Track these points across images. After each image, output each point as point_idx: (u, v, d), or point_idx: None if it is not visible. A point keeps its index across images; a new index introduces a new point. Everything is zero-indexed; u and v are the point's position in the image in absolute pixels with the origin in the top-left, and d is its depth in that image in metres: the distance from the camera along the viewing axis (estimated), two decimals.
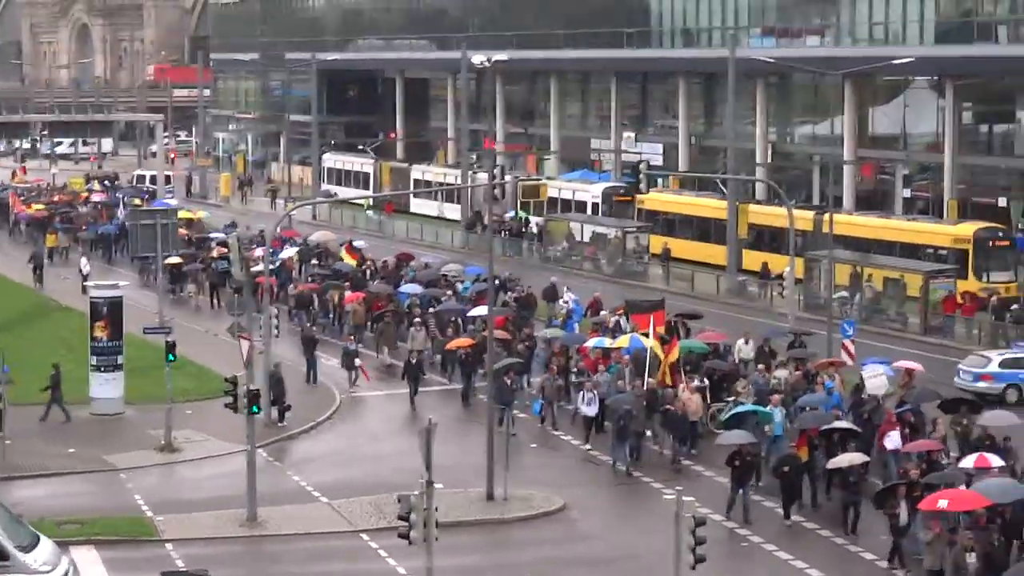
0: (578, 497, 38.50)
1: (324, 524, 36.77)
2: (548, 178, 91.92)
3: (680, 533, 28.03)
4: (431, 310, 55.39)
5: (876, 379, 42.08)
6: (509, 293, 60.42)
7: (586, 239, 77.90)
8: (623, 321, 51.46)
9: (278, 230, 68.35)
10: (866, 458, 36.22)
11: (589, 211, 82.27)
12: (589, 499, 38.71)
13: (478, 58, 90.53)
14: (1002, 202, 73.69)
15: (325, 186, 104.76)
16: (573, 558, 34.62)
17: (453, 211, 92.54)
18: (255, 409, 37.31)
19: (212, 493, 39.00)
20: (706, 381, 44.30)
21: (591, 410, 43.09)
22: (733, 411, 40.72)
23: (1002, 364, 48.05)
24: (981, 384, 47.41)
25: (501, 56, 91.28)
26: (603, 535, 36.13)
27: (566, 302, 57.48)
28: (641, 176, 73.36)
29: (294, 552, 34.95)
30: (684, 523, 27.98)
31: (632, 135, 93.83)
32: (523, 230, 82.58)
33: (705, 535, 28.06)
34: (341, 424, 46.56)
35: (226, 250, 60.77)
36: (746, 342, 49.02)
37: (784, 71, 79.65)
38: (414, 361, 48.72)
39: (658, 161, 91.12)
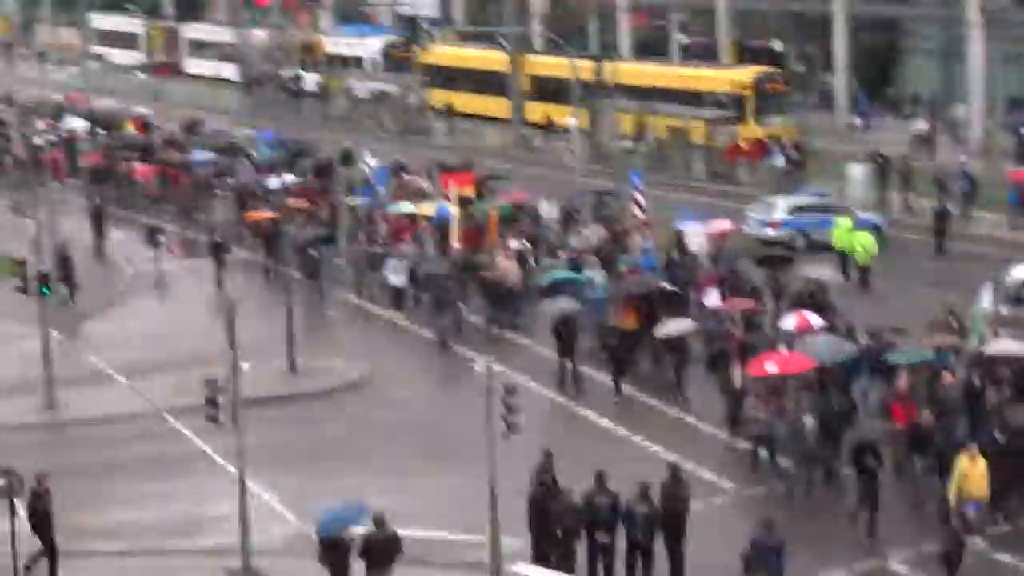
0: (387, 368, 38.01)
1: (125, 406, 36.09)
2: (322, 34, 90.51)
3: (491, 401, 27.59)
4: (229, 180, 54.01)
5: (697, 237, 42.14)
6: (306, 160, 58.73)
7: (366, 96, 77.12)
8: (427, 184, 50.54)
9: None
10: (695, 325, 35.26)
11: (368, 67, 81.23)
12: (398, 369, 38.21)
13: None
14: (776, 46, 74.39)
15: (95, 49, 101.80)
16: (379, 426, 34.34)
17: (230, 71, 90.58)
18: (45, 290, 36.37)
19: (5, 379, 37.97)
20: (526, 244, 42.76)
21: (399, 279, 42.28)
22: (551, 278, 39.64)
23: (789, 211, 48.55)
24: (769, 231, 47.89)
25: None
26: (412, 404, 35.74)
27: (368, 166, 55.93)
28: (421, 31, 72.68)
29: (97, 436, 34.27)
30: (495, 390, 27.55)
31: None
32: (300, 89, 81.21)
33: (517, 402, 27.74)
34: (138, 301, 45.60)
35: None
36: (548, 202, 48.39)
37: None
38: (218, 239, 46.88)
39: (435, 12, 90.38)
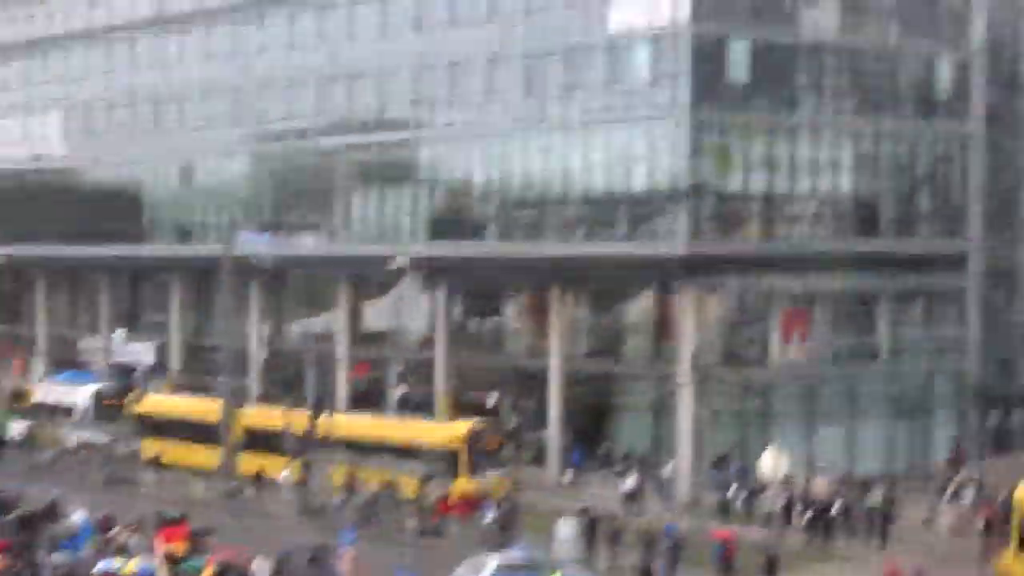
0: None
1: None
2: (37, 380, 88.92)
3: None
4: None
5: None
6: (8, 513, 56.55)
7: (74, 446, 75.35)
8: (135, 539, 49.09)
9: None
10: None
11: (78, 415, 79.52)
12: None
13: None
14: (491, 399, 75.11)
15: None
16: None
17: None
18: None
19: None
20: None
21: None
22: None
23: (496, 569, 48.11)
24: None
25: None
26: None
27: (73, 520, 53.93)
28: (134, 378, 71.83)
29: None
30: None
31: (123, 333, 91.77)
32: (4, 438, 79.11)
33: None
34: None
35: None
36: (260, 559, 47.29)
37: (280, 268, 79.36)
38: None
39: (150, 361, 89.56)
